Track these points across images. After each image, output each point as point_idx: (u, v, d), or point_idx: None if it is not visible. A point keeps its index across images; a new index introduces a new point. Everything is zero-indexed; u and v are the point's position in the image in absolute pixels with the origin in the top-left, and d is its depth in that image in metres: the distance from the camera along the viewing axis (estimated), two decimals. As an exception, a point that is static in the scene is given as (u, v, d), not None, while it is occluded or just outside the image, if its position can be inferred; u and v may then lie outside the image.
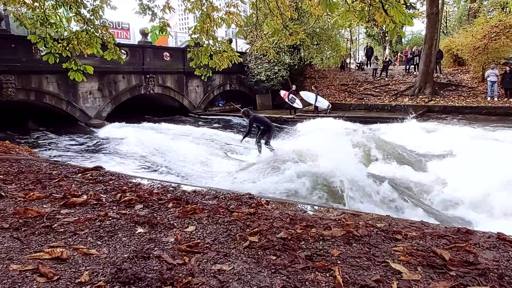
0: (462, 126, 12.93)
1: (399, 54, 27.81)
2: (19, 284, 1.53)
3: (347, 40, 27.63)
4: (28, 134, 11.63)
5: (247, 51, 21.91)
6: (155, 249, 1.96)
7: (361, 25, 30.69)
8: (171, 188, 3.41)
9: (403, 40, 31.72)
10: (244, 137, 9.43)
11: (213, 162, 9.33)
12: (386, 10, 3.58)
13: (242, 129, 15.07)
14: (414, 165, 8.91)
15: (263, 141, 9.09)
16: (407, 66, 21.63)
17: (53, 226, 2.21)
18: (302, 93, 18.57)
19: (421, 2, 31.59)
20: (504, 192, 5.93)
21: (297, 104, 18.16)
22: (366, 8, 3.67)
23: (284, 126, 16.50)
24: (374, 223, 2.48)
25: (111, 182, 3.52)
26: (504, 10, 23.14)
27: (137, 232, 2.20)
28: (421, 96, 18.11)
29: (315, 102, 17.75)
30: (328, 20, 19.13)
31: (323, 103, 17.80)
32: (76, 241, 2.02)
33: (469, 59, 18.14)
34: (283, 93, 18.81)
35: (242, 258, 1.87)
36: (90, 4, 5.86)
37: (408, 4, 28.53)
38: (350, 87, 21.09)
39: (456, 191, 6.60)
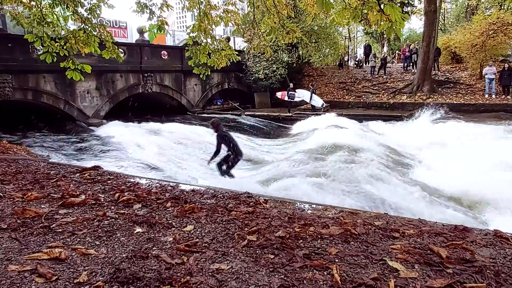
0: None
1: (397, 52, 27.81)
2: (18, 284, 1.54)
3: (345, 38, 27.62)
4: (25, 133, 11.59)
5: (245, 49, 21.87)
6: (154, 248, 1.96)
7: (359, 23, 30.67)
8: (169, 187, 3.41)
9: (401, 37, 31.74)
10: (211, 159, 7.18)
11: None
12: (383, 9, 3.56)
13: (240, 128, 15.07)
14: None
15: (224, 167, 7.19)
16: (405, 64, 21.64)
17: (51, 226, 2.21)
18: (298, 91, 18.58)
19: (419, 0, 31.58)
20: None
21: (298, 97, 18.12)
22: (360, 6, 3.64)
23: (282, 124, 16.53)
24: (372, 221, 2.49)
25: (109, 181, 3.51)
26: (502, 7, 23.16)
27: (135, 231, 2.20)
28: (419, 94, 18.13)
29: (310, 100, 17.75)
30: (325, 17, 19.07)
31: (317, 102, 17.81)
32: (74, 241, 2.03)
33: (467, 56, 18.15)
34: (279, 94, 18.76)
35: (241, 257, 1.88)
36: (88, 2, 5.83)
37: (406, 1, 28.53)
38: (349, 85, 21.10)
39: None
